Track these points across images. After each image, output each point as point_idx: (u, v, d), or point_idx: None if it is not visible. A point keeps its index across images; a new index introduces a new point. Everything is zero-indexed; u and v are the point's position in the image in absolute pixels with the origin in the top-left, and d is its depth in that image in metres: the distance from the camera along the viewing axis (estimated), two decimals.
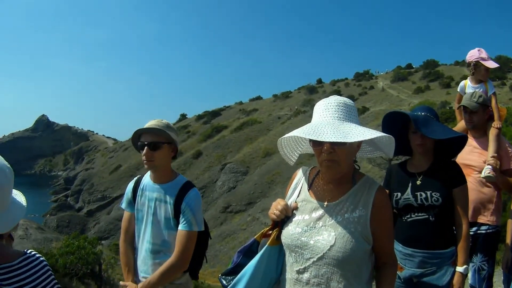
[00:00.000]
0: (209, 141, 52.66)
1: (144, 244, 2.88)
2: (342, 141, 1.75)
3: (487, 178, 3.42)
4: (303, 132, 1.84)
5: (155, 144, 2.74)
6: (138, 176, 3.07)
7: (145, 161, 2.78)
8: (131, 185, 3.04)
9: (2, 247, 1.52)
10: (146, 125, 2.79)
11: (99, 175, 62.67)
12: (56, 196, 66.34)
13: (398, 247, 2.89)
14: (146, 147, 2.74)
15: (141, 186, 2.96)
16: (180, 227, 2.72)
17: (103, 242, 26.92)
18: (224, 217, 30.34)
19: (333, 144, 1.82)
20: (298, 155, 2.22)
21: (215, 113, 74.35)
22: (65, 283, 8.88)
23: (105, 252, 13.56)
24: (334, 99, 1.95)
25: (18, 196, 1.61)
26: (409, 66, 75.27)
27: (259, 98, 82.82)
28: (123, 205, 3.04)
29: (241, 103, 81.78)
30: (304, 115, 47.99)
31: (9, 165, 1.50)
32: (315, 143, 1.89)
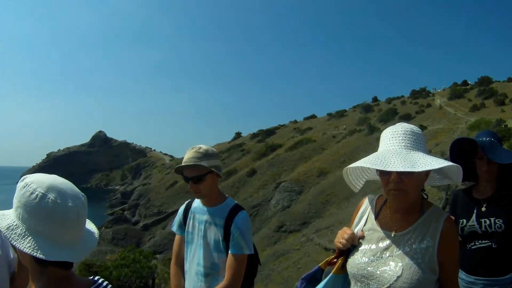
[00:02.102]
0: (264, 160, 52.62)
1: (194, 267, 2.89)
2: (410, 170, 1.72)
3: None
4: (370, 162, 1.83)
5: (197, 178, 2.77)
6: (189, 200, 3.13)
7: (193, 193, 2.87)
8: (182, 208, 3.11)
9: (74, 276, 1.48)
10: (184, 159, 2.81)
11: (156, 190, 64.10)
12: (113, 209, 68.34)
13: (461, 275, 2.86)
14: (190, 181, 2.80)
15: (191, 209, 3.02)
16: (230, 250, 2.72)
17: (157, 256, 27.30)
18: (278, 236, 29.95)
19: (400, 174, 1.80)
20: (363, 183, 2.21)
21: (270, 132, 74.50)
22: None
23: (159, 266, 13.70)
24: (401, 127, 1.94)
25: (89, 224, 1.56)
26: (465, 83, 72.49)
27: (313, 116, 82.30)
28: (174, 228, 3.11)
29: (295, 121, 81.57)
30: (359, 134, 47.08)
31: (83, 193, 1.47)
32: (382, 172, 1.88)
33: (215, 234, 2.80)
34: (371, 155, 1.88)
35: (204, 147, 2.84)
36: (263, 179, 45.40)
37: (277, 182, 41.33)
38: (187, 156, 2.80)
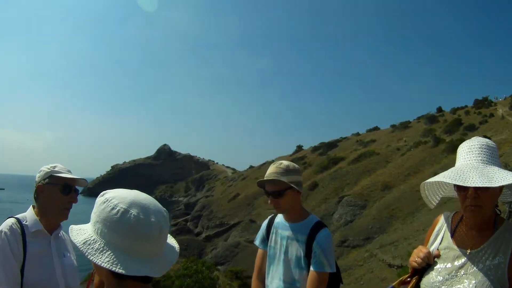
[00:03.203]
0: (326, 173, 51.82)
1: (275, 282, 2.92)
2: (487, 185, 1.73)
3: None
4: (449, 177, 1.83)
5: (277, 192, 2.82)
6: (272, 214, 3.20)
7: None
8: (265, 223, 3.18)
9: None
10: (266, 174, 2.89)
11: (218, 202, 64.92)
12: (176, 220, 69.86)
13: None
14: (270, 196, 2.86)
15: (274, 224, 3.07)
16: (311, 267, 2.71)
17: (219, 267, 27.55)
18: (341, 251, 29.29)
19: (477, 189, 1.81)
20: (439, 199, 2.19)
21: (331, 144, 73.57)
22: None
23: (221, 278, 13.80)
24: (477, 141, 1.95)
25: (170, 238, 1.55)
26: None
27: (376, 128, 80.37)
28: (257, 242, 3.18)
29: (358, 134, 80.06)
30: (424, 145, 45.30)
31: (165, 209, 1.46)
32: (459, 188, 1.89)
33: (297, 250, 2.81)
34: (449, 170, 1.89)
35: (285, 163, 2.89)
36: (325, 193, 44.81)
37: (340, 196, 40.63)
38: (269, 171, 2.88)
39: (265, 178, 2.85)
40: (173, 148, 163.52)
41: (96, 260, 1.30)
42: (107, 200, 1.36)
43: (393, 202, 32.45)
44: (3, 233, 2.40)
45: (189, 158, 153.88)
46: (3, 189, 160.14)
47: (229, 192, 68.58)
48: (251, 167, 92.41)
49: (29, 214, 2.61)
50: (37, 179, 2.64)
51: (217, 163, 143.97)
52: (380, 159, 48.23)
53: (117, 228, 1.31)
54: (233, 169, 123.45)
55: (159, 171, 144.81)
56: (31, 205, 2.70)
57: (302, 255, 2.77)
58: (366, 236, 29.70)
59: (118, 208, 1.32)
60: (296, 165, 2.96)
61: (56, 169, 2.67)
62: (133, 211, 1.32)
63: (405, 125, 68.74)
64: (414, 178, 35.27)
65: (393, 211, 31.14)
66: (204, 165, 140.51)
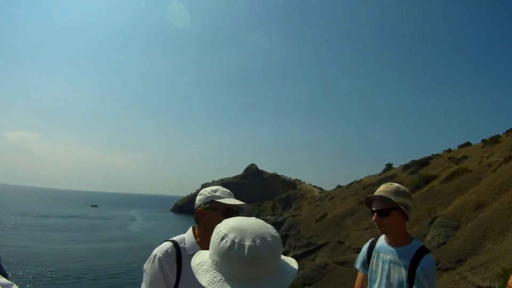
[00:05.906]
0: (417, 192, 49.58)
1: None
2: None
3: None
4: None
5: (383, 211, 2.86)
6: (373, 238, 3.20)
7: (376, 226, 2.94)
8: (366, 246, 3.18)
9: None
10: (376, 191, 2.93)
11: (305, 222, 64.67)
12: None
13: None
14: (375, 214, 2.89)
15: (376, 247, 3.06)
16: None
17: None
18: None
19: None
20: None
21: (423, 162, 70.32)
22: None
23: None
24: None
25: (292, 263, 1.54)
26: None
27: (468, 144, 75.84)
28: (358, 265, 3.21)
29: (449, 150, 76.12)
30: None
31: (272, 234, 1.45)
32: None
33: (399, 274, 2.79)
34: None
35: (396, 184, 2.93)
36: (417, 214, 43.14)
37: (433, 216, 39.11)
38: (378, 189, 2.92)
39: (374, 193, 2.89)
40: (260, 167, 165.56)
41: (200, 278, 1.42)
42: (217, 226, 1.46)
43: (485, 222, 30.87)
44: (156, 258, 2.45)
45: (276, 177, 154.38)
46: (97, 206, 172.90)
47: (317, 212, 68.05)
48: (338, 186, 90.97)
49: (188, 236, 2.63)
50: (197, 202, 2.66)
51: (304, 182, 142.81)
52: (472, 177, 45.80)
53: (218, 251, 1.40)
54: (320, 188, 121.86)
55: (246, 190, 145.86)
56: (191, 226, 2.71)
57: (404, 279, 2.73)
58: (458, 259, 28.54)
59: (220, 233, 1.41)
60: (407, 189, 2.97)
61: (217, 193, 2.67)
62: (230, 236, 1.38)
63: (495, 139, 64.54)
64: (505, 195, 33.38)
65: (485, 230, 29.65)
66: (290, 184, 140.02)
